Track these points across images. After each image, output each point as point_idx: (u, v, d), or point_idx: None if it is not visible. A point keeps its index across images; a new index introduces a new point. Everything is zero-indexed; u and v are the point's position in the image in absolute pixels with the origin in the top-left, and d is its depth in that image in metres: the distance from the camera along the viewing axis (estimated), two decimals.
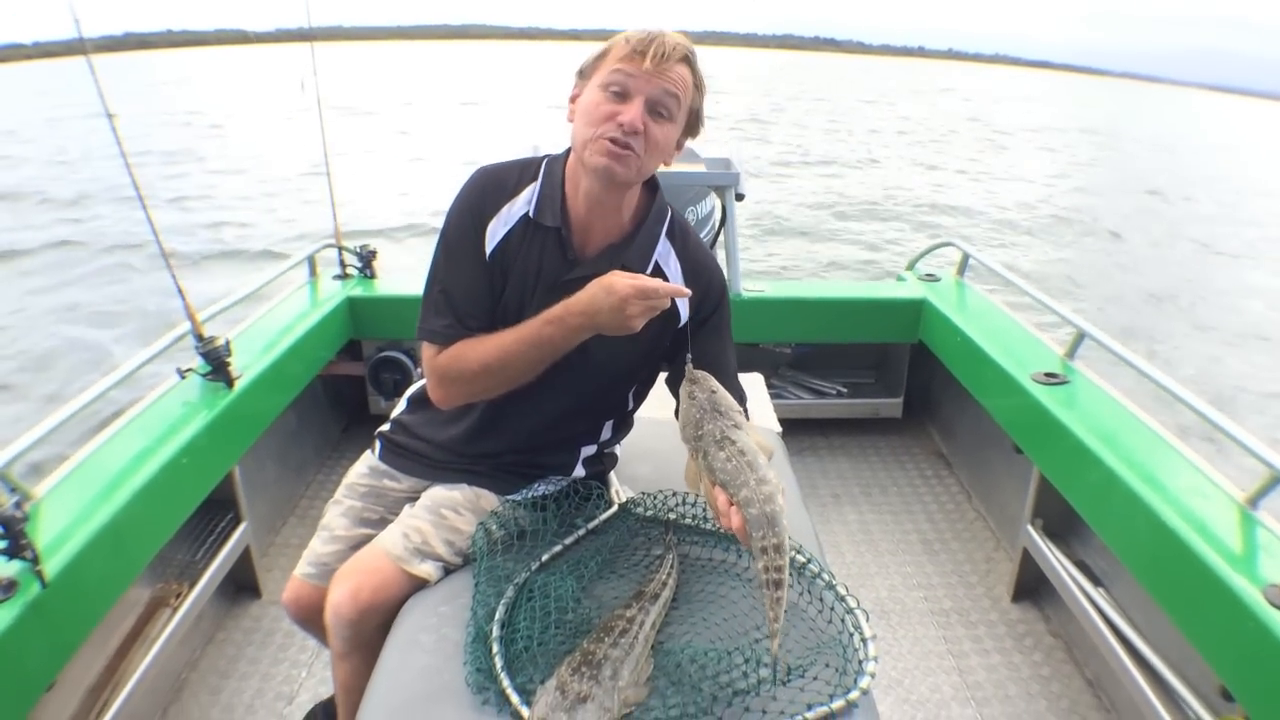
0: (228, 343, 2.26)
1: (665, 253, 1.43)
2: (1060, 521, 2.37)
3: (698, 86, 1.34)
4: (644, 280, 1.25)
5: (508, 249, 1.39)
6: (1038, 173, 16.24)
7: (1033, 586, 2.47)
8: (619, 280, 1.24)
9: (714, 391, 1.22)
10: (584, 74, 1.34)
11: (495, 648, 1.21)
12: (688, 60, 1.30)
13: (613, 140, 1.26)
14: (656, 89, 1.27)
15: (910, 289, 3.29)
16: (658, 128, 1.29)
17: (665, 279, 1.40)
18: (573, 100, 1.36)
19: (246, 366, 2.36)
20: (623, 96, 1.27)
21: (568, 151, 1.39)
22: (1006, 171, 15.82)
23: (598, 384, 1.48)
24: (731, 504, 1.11)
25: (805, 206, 11.72)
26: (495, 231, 1.38)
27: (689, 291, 1.30)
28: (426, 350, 1.41)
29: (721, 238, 3.05)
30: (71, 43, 2.03)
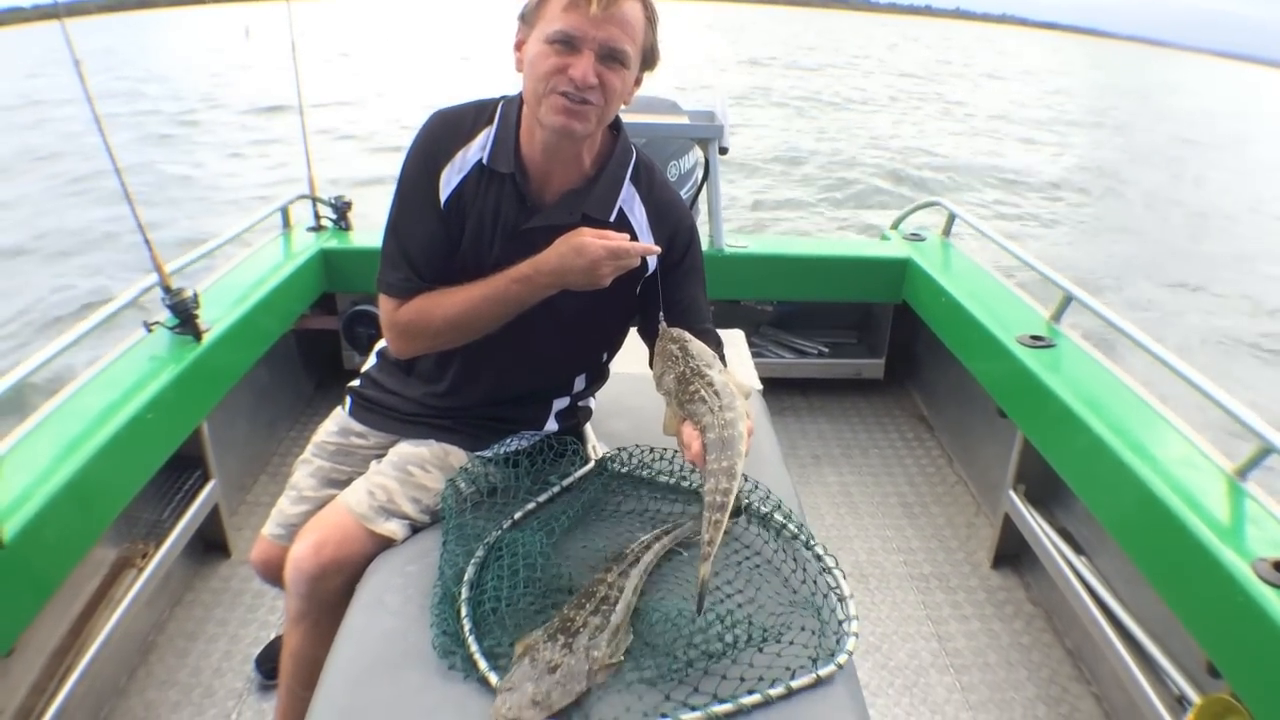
0: (196, 295, 2.19)
1: (629, 198, 1.38)
2: (1043, 487, 2.34)
3: (650, 19, 1.24)
4: (615, 241, 1.22)
5: (463, 197, 1.33)
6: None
7: (1014, 553, 2.46)
8: (590, 242, 1.22)
9: (687, 341, 1.21)
10: (526, 19, 1.24)
11: (463, 610, 1.17)
12: None
13: (566, 95, 1.19)
14: (606, 37, 1.18)
15: (895, 248, 3.24)
16: (613, 75, 1.21)
17: (630, 226, 1.37)
18: (518, 48, 1.27)
19: (216, 320, 2.28)
20: (571, 47, 1.18)
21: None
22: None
23: (567, 335, 1.44)
24: (694, 432, 1.11)
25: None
26: (449, 179, 1.33)
27: (659, 249, 1.29)
28: (385, 303, 1.37)
29: (705, 192, 2.98)
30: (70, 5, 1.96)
